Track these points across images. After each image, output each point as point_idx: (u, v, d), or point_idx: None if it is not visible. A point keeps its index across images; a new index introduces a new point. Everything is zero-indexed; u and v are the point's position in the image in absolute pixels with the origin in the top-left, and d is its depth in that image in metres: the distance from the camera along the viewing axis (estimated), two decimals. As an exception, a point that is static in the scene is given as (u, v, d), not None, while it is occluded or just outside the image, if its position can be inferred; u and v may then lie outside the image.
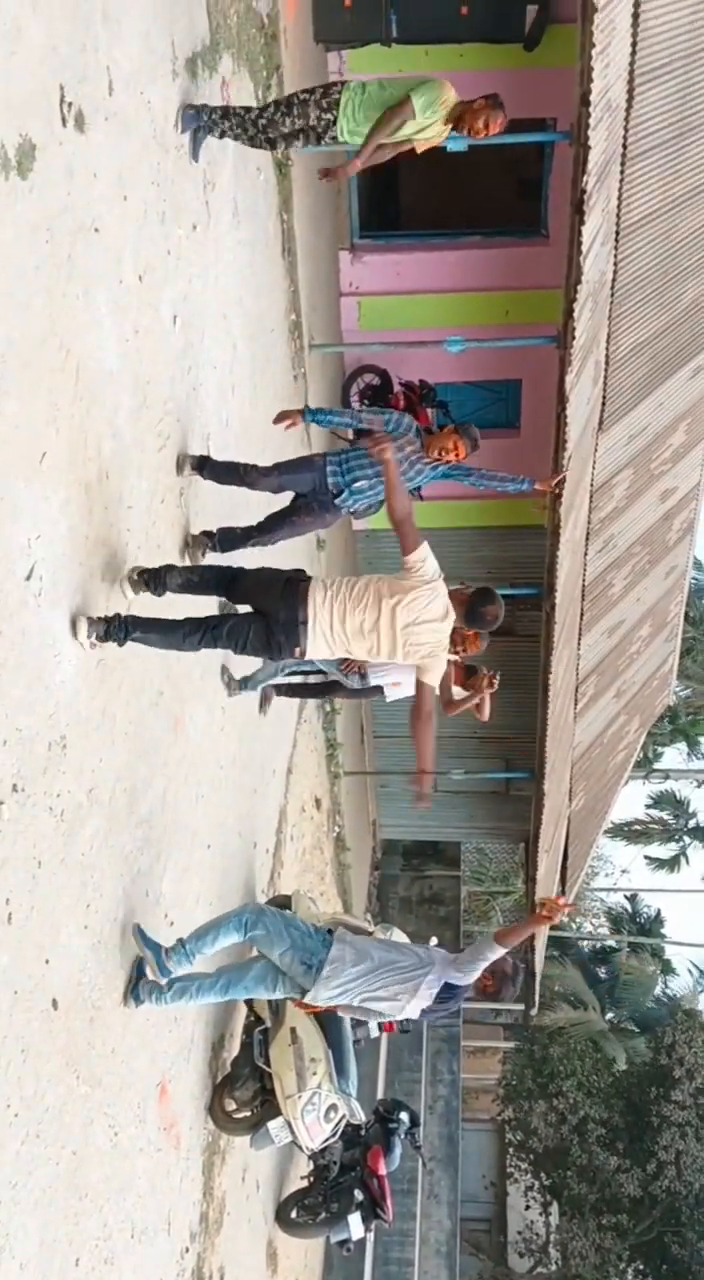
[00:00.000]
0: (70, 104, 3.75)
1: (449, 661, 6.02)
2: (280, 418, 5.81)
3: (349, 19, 9.17)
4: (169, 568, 4.58)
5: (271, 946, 4.82)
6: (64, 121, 3.71)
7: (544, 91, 9.43)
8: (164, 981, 4.67)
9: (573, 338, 7.68)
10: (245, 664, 6.63)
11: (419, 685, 4.67)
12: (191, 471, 5.47)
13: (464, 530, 12.46)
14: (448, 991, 4.77)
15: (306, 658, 4.58)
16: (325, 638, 4.43)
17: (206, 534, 5.66)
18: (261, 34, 7.13)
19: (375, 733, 14.73)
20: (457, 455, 5.82)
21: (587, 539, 10.62)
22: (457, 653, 5.52)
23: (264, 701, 7.66)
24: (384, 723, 14.60)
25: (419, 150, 5.85)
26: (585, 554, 10.74)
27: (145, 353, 4.68)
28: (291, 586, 4.46)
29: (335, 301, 11.01)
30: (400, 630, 4.43)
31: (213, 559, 5.56)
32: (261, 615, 4.51)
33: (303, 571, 4.66)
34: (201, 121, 5.36)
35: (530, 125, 9.75)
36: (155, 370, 4.84)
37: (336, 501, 5.82)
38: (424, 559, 4.51)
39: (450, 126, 5.66)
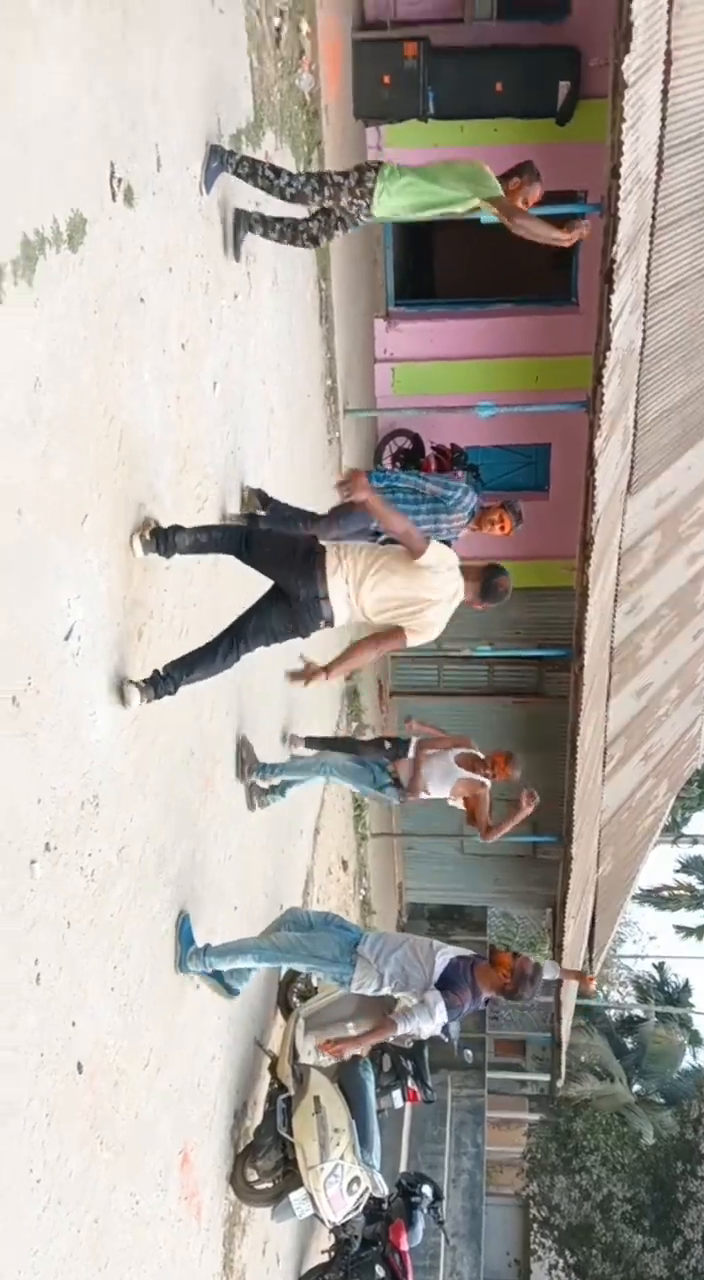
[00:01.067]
0: (120, 180, 3.87)
1: (481, 785, 6.34)
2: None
3: (388, 96, 9.44)
4: (176, 528, 4.35)
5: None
6: (114, 196, 3.83)
7: (576, 164, 9.64)
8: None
9: (602, 403, 7.76)
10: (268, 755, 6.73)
11: (394, 633, 4.68)
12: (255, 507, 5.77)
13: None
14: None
15: (333, 626, 4.62)
16: (347, 603, 4.52)
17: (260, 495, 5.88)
18: (303, 111, 7.35)
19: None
20: (503, 530, 5.89)
21: (615, 601, 10.62)
22: (489, 777, 6.12)
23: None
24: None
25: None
26: (614, 616, 10.73)
27: (186, 418, 4.77)
28: (308, 560, 4.47)
29: (370, 367, 11.19)
30: (407, 599, 4.56)
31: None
32: (281, 596, 4.52)
33: (315, 539, 4.67)
34: (223, 162, 5.16)
35: (562, 197, 9.95)
36: (196, 435, 4.93)
37: (379, 539, 5.87)
38: (433, 561, 4.57)
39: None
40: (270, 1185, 6.15)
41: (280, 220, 5.61)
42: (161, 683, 4.22)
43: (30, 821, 3.31)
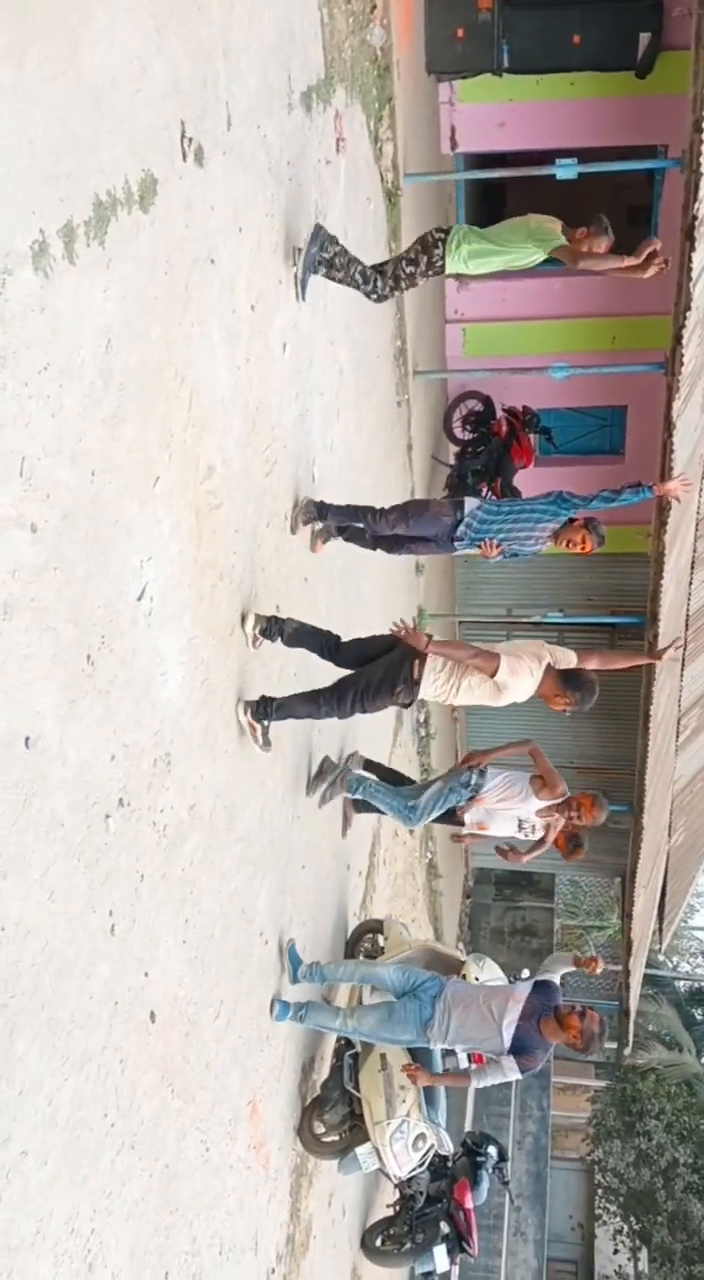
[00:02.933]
0: (190, 139, 3.86)
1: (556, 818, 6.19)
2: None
3: (461, 50, 9.26)
4: (288, 618, 5.04)
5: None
6: (184, 156, 3.82)
7: (655, 118, 9.38)
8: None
9: (681, 364, 7.58)
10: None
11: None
12: (312, 522, 5.79)
13: (565, 558, 12.33)
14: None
15: (418, 688, 5.07)
16: (434, 687, 5.07)
17: (318, 506, 5.80)
18: (375, 66, 7.25)
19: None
20: (584, 549, 5.86)
21: (692, 568, 10.41)
22: (570, 819, 6.13)
23: (345, 824, 7.22)
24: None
25: None
26: (690, 583, 10.53)
27: (255, 380, 4.77)
28: (407, 658, 5.03)
29: (440, 328, 11.07)
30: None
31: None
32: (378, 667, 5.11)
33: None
34: (314, 267, 5.43)
35: (641, 152, 9.69)
36: (264, 397, 4.94)
37: (454, 544, 5.97)
38: (505, 678, 5.04)
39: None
40: (337, 1138, 6.26)
41: (357, 279, 5.65)
42: (265, 708, 4.88)
43: (104, 777, 3.38)
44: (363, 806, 7.13)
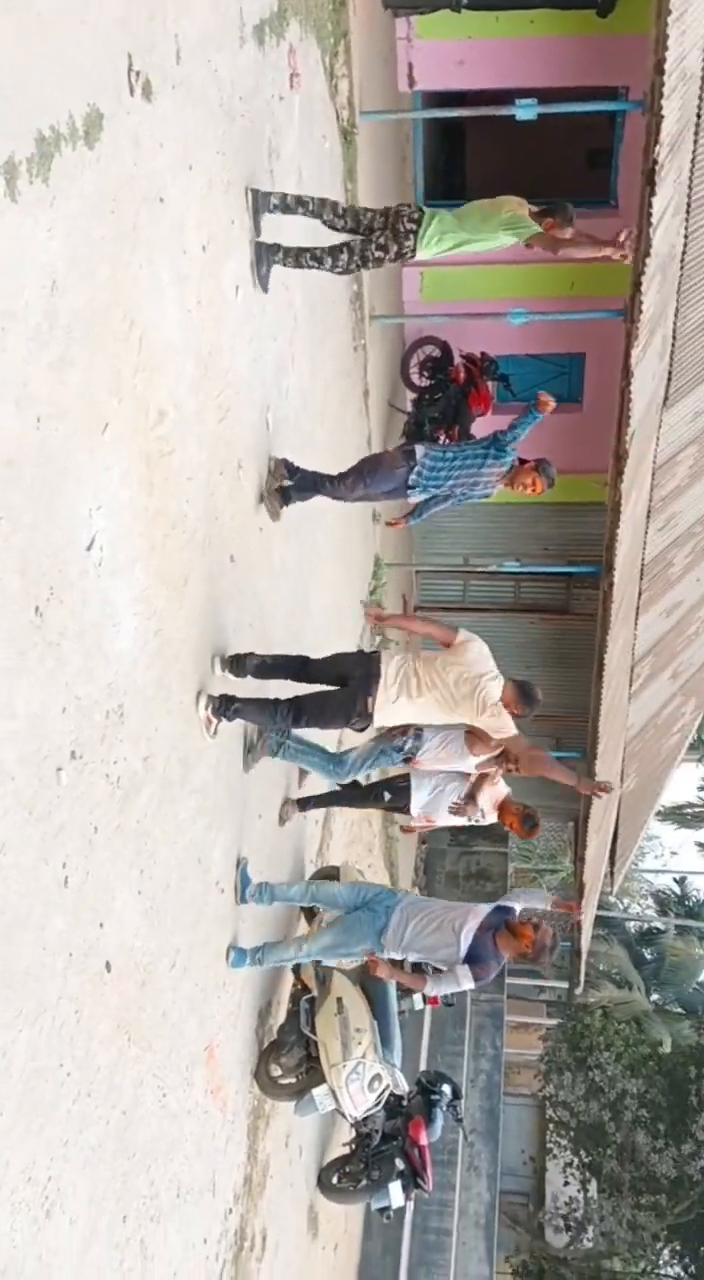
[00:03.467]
0: (138, 73, 3.73)
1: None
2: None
3: (419, -17, 9.02)
4: (250, 654, 5.20)
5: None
6: (132, 91, 3.70)
7: (616, 59, 9.24)
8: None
9: (640, 311, 7.54)
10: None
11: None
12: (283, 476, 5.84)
13: (521, 506, 12.35)
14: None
15: (370, 719, 5.18)
16: (398, 686, 5.13)
17: (287, 466, 5.89)
18: (330, 0, 7.04)
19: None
20: (534, 490, 5.86)
21: (648, 517, 10.46)
22: (510, 770, 5.91)
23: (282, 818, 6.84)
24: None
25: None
26: (646, 532, 10.59)
27: (207, 323, 4.68)
28: (363, 655, 5.33)
29: (397, 273, 10.91)
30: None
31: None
32: (340, 684, 5.22)
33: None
34: (269, 260, 5.50)
35: (601, 93, 9.55)
36: (217, 340, 4.84)
37: (408, 492, 6.04)
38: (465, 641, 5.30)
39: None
40: (293, 1081, 6.35)
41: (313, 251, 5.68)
42: (225, 707, 4.97)
43: (56, 729, 3.34)
44: (307, 803, 7.01)
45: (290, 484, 5.92)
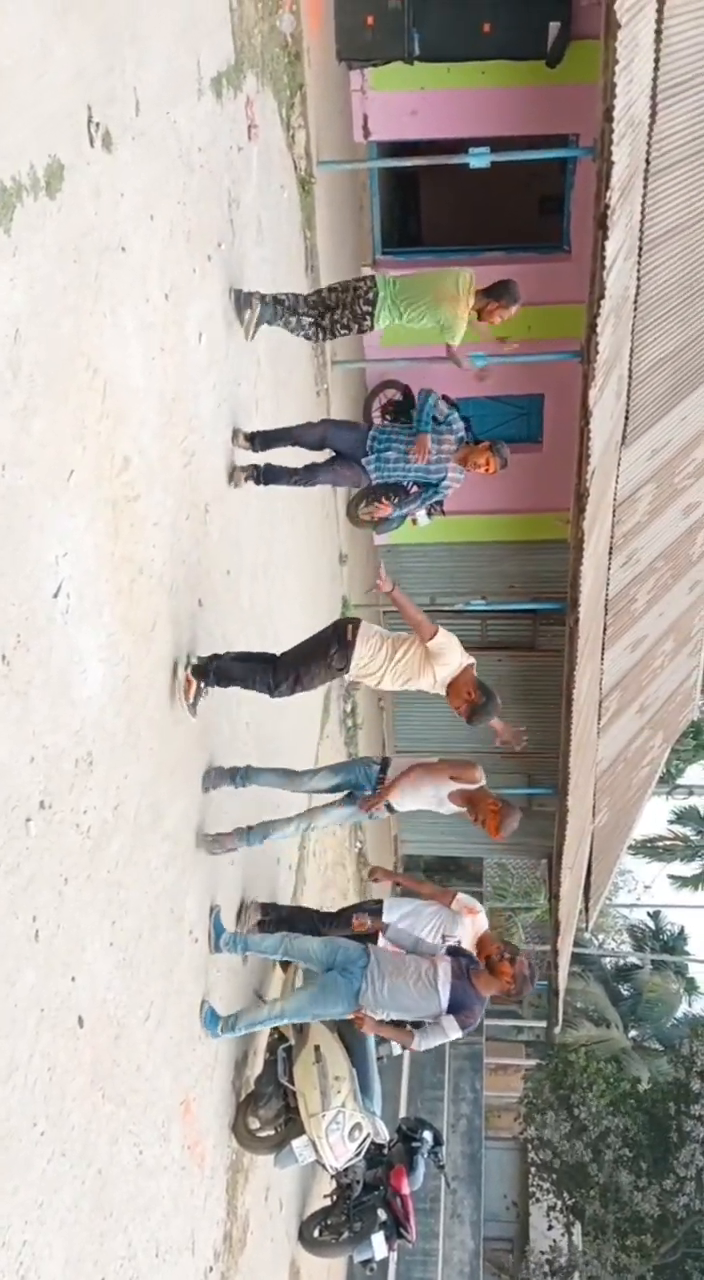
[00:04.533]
0: (98, 124, 3.78)
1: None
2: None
3: (371, 37, 9.22)
4: (216, 656, 5.20)
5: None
6: (92, 142, 3.73)
7: (567, 107, 9.46)
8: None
9: (596, 352, 7.67)
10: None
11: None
12: (245, 445, 6.00)
13: (486, 545, 12.45)
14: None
15: (349, 666, 5.32)
16: (370, 645, 5.32)
17: (249, 438, 6.04)
18: (285, 53, 7.18)
19: (397, 748, 14.69)
20: (488, 470, 6.07)
21: (610, 553, 10.57)
22: (473, 819, 5.85)
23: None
24: (406, 738, 14.57)
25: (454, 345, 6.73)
26: (609, 568, 10.70)
27: (171, 370, 4.70)
28: (340, 626, 5.40)
29: (357, 318, 11.02)
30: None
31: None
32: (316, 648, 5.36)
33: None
34: (254, 308, 5.96)
35: (553, 141, 9.77)
36: (181, 387, 4.86)
37: (364, 462, 6.30)
38: (443, 642, 5.41)
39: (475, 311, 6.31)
40: (272, 1133, 6.23)
41: (289, 306, 6.22)
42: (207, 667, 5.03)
43: (24, 779, 3.30)
44: (268, 925, 6.43)
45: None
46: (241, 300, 5.85)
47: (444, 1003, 5.34)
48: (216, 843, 5.49)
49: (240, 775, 5.64)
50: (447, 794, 5.93)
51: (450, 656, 5.39)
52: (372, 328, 6.22)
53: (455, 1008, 5.33)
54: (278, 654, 5.45)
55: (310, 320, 6.20)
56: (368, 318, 6.12)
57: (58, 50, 3.46)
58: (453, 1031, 5.38)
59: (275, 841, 6.09)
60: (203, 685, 5.02)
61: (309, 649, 5.36)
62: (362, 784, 5.96)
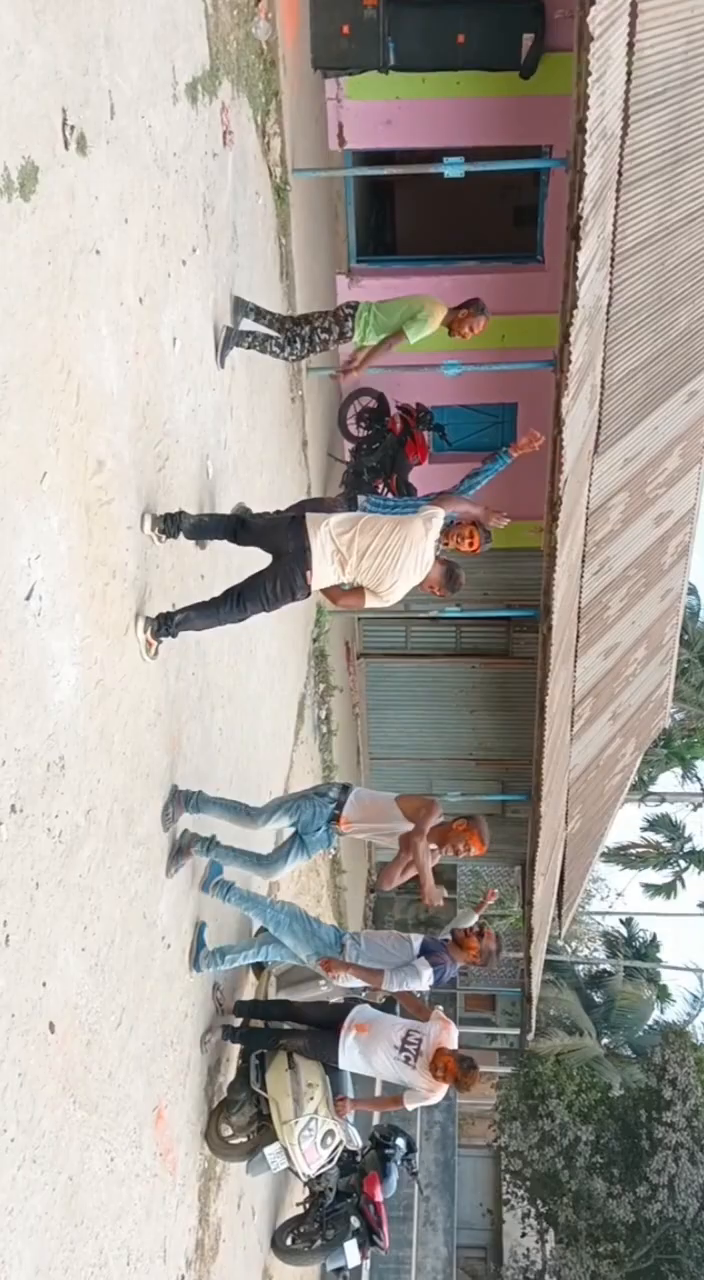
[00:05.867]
0: (72, 127, 3.77)
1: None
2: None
3: (347, 46, 9.26)
4: (181, 512, 4.98)
5: (298, 949, 5.98)
6: (66, 144, 3.73)
7: (540, 119, 9.55)
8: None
9: (569, 361, 7.73)
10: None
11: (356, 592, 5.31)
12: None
13: (461, 553, 12.47)
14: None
15: (312, 586, 5.08)
16: (327, 556, 5.00)
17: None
18: (261, 60, 7.20)
19: (372, 754, 14.70)
20: (472, 546, 6.14)
21: (583, 562, 10.65)
22: (455, 852, 5.64)
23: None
24: (380, 744, 14.59)
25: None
26: (581, 576, 10.77)
27: (145, 374, 4.69)
28: (294, 522, 5.09)
29: (332, 325, 11.05)
30: (388, 548, 5.09)
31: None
32: (272, 558, 5.07)
33: (302, 510, 5.44)
34: (242, 342, 6.36)
35: (526, 152, 9.86)
36: (155, 391, 4.86)
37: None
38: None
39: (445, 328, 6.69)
40: (245, 1140, 6.21)
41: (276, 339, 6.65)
42: (165, 624, 4.80)
43: (-6, 783, 3.28)
44: (229, 1034, 6.34)
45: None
46: (230, 338, 6.25)
47: (416, 949, 5.92)
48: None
49: (194, 801, 5.42)
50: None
51: (404, 559, 5.15)
52: (352, 334, 6.63)
53: (426, 953, 5.86)
54: (242, 524, 5.31)
55: (288, 340, 6.64)
56: (349, 319, 6.60)
57: (32, 52, 3.46)
58: (424, 971, 5.76)
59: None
60: (161, 641, 4.86)
61: (274, 585, 5.07)
62: (316, 823, 5.78)
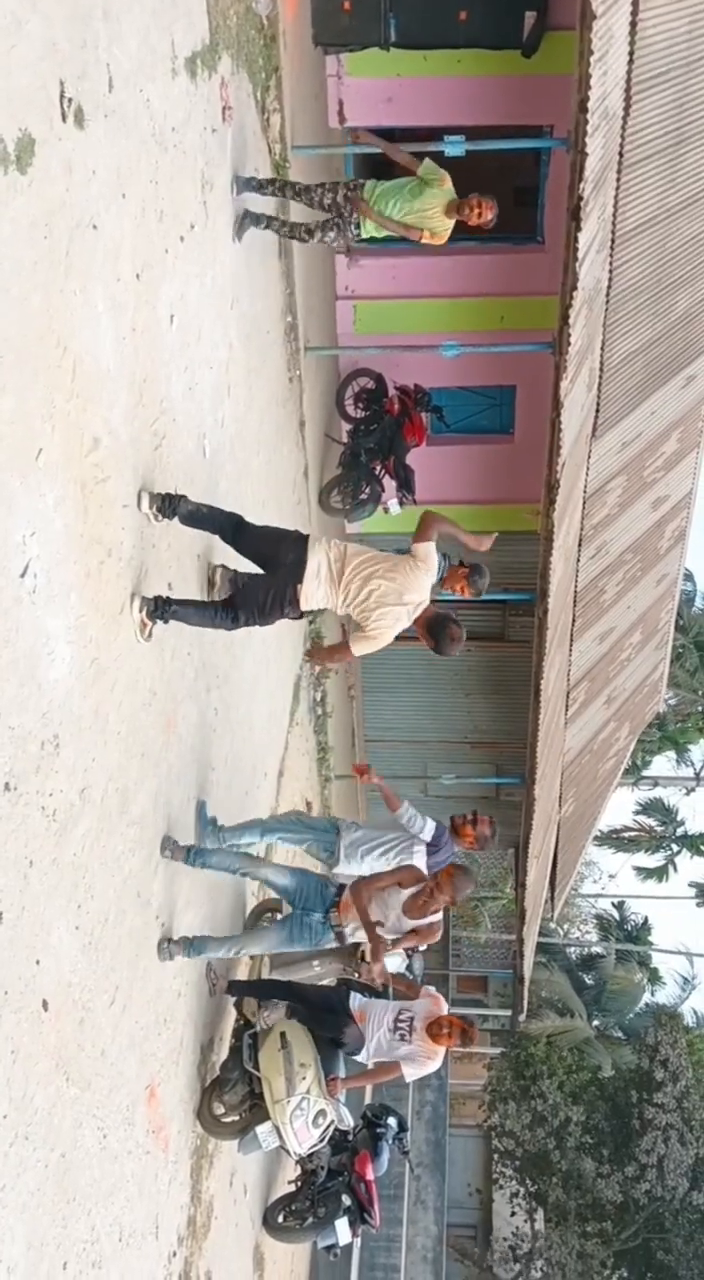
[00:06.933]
0: (70, 100, 3.73)
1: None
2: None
3: (348, 22, 9.18)
4: (182, 496, 4.92)
5: (297, 841, 6.37)
6: (64, 117, 3.69)
7: (541, 98, 9.47)
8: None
9: (568, 343, 7.69)
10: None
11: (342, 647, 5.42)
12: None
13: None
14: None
15: (301, 602, 5.08)
16: (322, 579, 5.03)
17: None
18: (261, 35, 7.13)
19: (366, 737, 14.71)
20: (462, 593, 6.16)
21: (579, 545, 10.63)
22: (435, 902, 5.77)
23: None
24: (375, 726, 14.60)
25: (425, 239, 7.07)
26: (578, 560, 10.76)
27: (142, 351, 4.66)
28: (301, 538, 5.15)
29: (331, 305, 11.01)
30: (375, 600, 5.11)
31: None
32: (265, 571, 5.12)
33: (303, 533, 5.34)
34: (259, 225, 6.71)
35: (527, 132, 9.78)
36: (152, 369, 4.83)
37: None
38: (427, 555, 5.24)
39: (452, 219, 6.96)
40: (237, 1119, 6.23)
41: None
42: (162, 609, 4.79)
43: (-12, 761, 3.27)
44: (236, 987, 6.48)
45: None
46: (245, 219, 6.55)
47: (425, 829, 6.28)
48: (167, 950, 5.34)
49: (194, 854, 5.49)
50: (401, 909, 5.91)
51: (406, 590, 5.16)
52: (357, 234, 6.88)
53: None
54: (241, 526, 5.27)
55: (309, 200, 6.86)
56: (359, 188, 6.80)
57: (29, 23, 3.41)
58: (417, 849, 6.11)
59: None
60: (155, 624, 4.85)
61: (265, 598, 5.11)
62: (312, 903, 5.84)
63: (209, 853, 5.66)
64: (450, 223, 6.94)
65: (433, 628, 5.41)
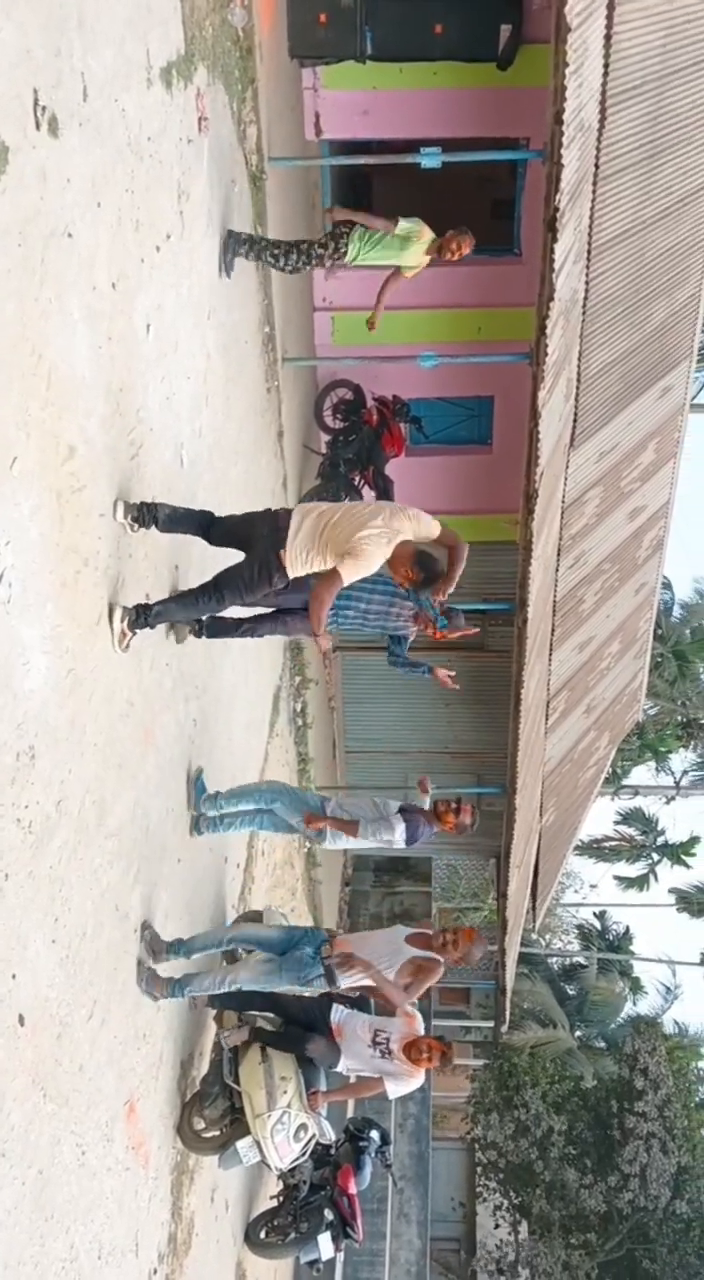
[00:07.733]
0: (44, 108, 3.72)
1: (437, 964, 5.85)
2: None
3: (324, 35, 9.21)
4: (158, 504, 4.95)
5: (289, 814, 6.40)
6: (38, 125, 3.67)
7: (517, 111, 9.53)
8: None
9: (546, 354, 7.72)
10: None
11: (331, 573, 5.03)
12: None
13: (436, 547, 12.46)
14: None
15: (287, 573, 5.03)
16: (299, 542, 4.96)
17: (197, 622, 5.96)
18: (237, 47, 7.14)
19: (347, 748, 14.69)
20: (435, 637, 6.57)
21: (558, 555, 10.66)
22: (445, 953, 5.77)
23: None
24: (356, 738, 14.58)
25: (407, 276, 7.83)
26: (557, 570, 10.78)
27: (118, 360, 4.64)
28: (275, 512, 5.18)
29: (309, 316, 11.03)
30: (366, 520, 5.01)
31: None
32: (245, 552, 5.10)
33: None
34: (239, 250, 6.97)
35: (503, 144, 9.84)
36: (128, 378, 4.81)
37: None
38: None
39: (431, 256, 7.52)
40: (218, 1133, 6.18)
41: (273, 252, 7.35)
42: (144, 616, 4.79)
43: (-38, 772, 3.23)
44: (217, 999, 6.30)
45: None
46: (230, 243, 6.83)
47: (394, 809, 6.34)
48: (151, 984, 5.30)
49: (177, 947, 5.57)
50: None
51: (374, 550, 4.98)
52: (346, 253, 7.31)
53: (403, 813, 6.29)
54: (214, 521, 5.29)
55: (285, 251, 7.31)
56: (344, 238, 7.27)
57: (3, 31, 3.40)
58: (398, 827, 6.17)
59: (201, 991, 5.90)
60: (139, 631, 4.83)
61: (251, 575, 5.06)
62: (303, 941, 5.94)
63: (191, 942, 5.69)
64: (427, 258, 7.55)
65: (418, 560, 5.19)
